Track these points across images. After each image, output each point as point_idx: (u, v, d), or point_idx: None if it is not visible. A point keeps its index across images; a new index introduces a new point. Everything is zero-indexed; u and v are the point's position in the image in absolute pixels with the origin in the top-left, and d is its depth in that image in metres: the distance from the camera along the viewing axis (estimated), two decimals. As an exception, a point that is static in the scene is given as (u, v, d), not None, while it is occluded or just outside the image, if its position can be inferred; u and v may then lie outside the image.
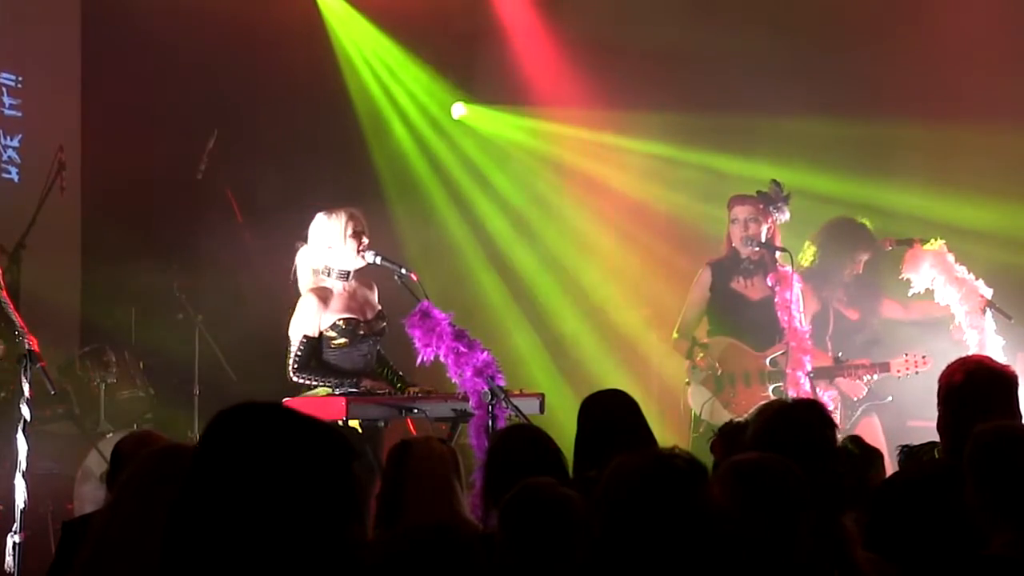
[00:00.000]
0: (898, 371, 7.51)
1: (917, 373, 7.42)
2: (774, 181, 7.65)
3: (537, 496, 3.79)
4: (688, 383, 7.59)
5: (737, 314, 7.61)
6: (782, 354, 7.44)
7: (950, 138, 9.08)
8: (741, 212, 7.63)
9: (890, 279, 7.76)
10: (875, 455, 5.30)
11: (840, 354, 7.59)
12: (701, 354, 7.48)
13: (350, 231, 6.82)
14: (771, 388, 7.44)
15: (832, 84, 9.52)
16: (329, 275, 6.88)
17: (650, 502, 2.95)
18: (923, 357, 7.46)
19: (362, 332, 6.88)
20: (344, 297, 6.88)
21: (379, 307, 7.03)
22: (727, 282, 7.68)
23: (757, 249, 7.58)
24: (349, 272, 6.89)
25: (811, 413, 4.34)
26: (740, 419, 5.33)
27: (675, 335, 7.78)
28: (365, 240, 6.85)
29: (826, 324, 7.77)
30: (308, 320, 6.79)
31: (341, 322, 6.83)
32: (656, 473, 3.04)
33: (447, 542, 3.32)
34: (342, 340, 6.84)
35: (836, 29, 9.71)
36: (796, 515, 3.47)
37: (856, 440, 5.40)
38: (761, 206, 7.58)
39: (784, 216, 7.64)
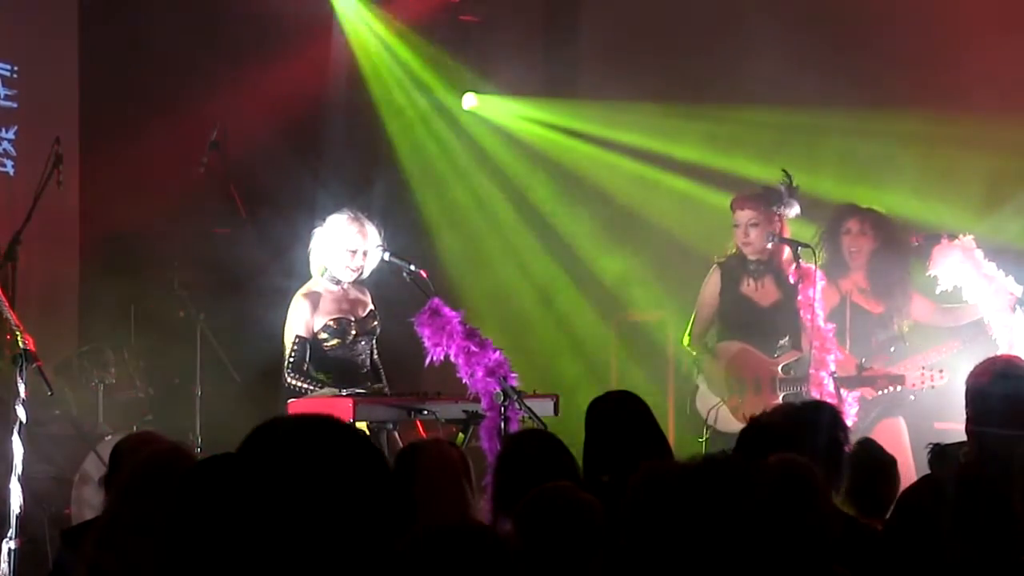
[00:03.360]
0: (913, 384, 7.32)
1: (933, 387, 7.25)
2: (783, 171, 7.46)
3: (557, 501, 3.74)
4: (696, 386, 7.44)
5: (746, 320, 7.44)
6: (796, 361, 7.28)
7: (953, 134, 8.97)
8: (742, 216, 7.40)
9: (918, 277, 7.58)
10: (885, 465, 5.09)
11: (863, 360, 7.38)
12: (698, 371, 7.40)
13: (348, 246, 6.82)
14: (781, 396, 7.25)
15: (834, 76, 9.39)
16: (323, 275, 6.91)
17: (687, 509, 2.91)
18: (940, 372, 7.27)
19: (354, 332, 6.90)
20: (334, 299, 6.91)
21: (372, 307, 7.02)
22: (736, 285, 7.50)
23: (770, 246, 7.39)
24: (339, 280, 6.90)
25: (822, 415, 4.39)
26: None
27: (687, 339, 7.59)
28: (359, 261, 6.85)
29: (843, 318, 7.57)
30: (298, 322, 6.82)
31: (332, 323, 6.85)
32: (692, 479, 2.97)
33: (474, 540, 3.23)
34: (335, 341, 6.85)
35: (837, 19, 9.65)
36: (826, 517, 3.52)
37: (868, 447, 5.18)
38: (763, 208, 7.37)
39: (793, 210, 7.43)
